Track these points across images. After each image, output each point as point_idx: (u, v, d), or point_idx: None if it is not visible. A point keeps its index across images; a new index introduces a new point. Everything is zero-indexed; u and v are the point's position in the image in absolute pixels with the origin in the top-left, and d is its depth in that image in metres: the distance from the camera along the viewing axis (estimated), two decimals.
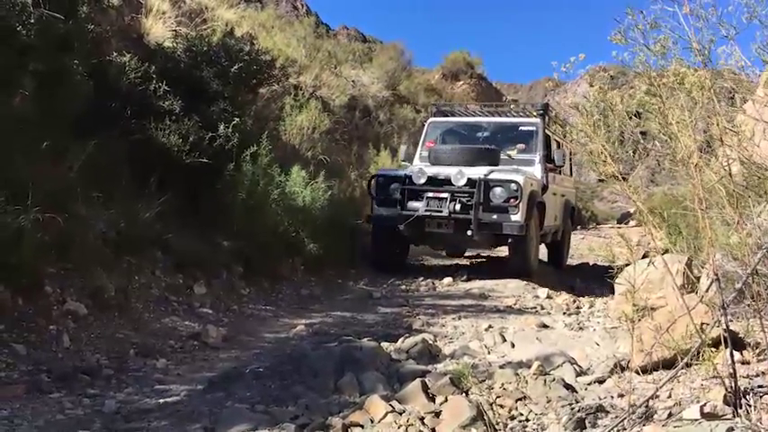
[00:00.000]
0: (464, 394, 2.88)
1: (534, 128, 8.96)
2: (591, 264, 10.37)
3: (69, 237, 4.58)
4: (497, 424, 2.59)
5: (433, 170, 7.94)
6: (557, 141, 9.70)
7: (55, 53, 5.17)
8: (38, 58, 4.97)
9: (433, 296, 6.86)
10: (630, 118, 3.31)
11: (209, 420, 2.93)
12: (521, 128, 9.13)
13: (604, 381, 3.15)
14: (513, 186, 7.52)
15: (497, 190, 7.57)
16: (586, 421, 2.54)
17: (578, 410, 2.61)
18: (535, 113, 9.32)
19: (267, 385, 3.40)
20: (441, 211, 7.52)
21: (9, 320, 3.90)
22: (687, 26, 2.65)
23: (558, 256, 10.41)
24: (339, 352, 3.65)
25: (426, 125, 9.83)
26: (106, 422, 2.98)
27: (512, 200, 7.49)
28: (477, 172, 7.67)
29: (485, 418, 2.53)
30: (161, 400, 3.31)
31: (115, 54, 6.29)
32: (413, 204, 7.66)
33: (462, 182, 7.56)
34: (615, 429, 2.38)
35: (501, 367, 3.51)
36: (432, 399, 2.89)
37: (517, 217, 7.45)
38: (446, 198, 7.58)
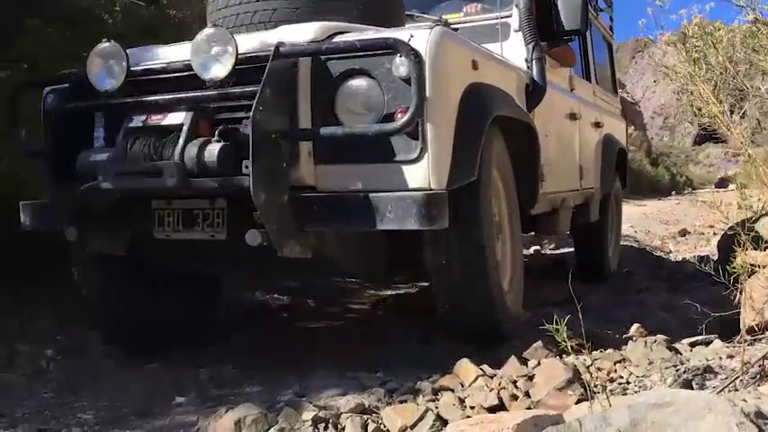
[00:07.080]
0: (558, 357, 2.75)
1: None
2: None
3: None
4: (595, 386, 2.46)
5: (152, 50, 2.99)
6: None
7: (140, 39, 5.33)
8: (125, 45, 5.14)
9: None
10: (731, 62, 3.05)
11: (299, 387, 2.95)
12: None
13: (711, 342, 2.94)
14: (402, 68, 2.21)
15: (359, 86, 2.36)
16: (693, 382, 2.37)
17: (684, 372, 2.44)
18: None
19: (356, 350, 3.41)
20: (160, 173, 2.27)
21: None
22: None
23: (595, 253, 5.12)
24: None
25: None
26: (201, 389, 3.06)
27: (399, 113, 2.25)
28: (286, 34, 2.50)
29: (581, 379, 2.40)
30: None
31: None
32: (93, 157, 2.56)
33: (223, 66, 2.32)
34: (726, 390, 2.21)
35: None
36: (524, 363, 2.78)
37: (422, 166, 2.30)
38: (180, 127, 2.34)
